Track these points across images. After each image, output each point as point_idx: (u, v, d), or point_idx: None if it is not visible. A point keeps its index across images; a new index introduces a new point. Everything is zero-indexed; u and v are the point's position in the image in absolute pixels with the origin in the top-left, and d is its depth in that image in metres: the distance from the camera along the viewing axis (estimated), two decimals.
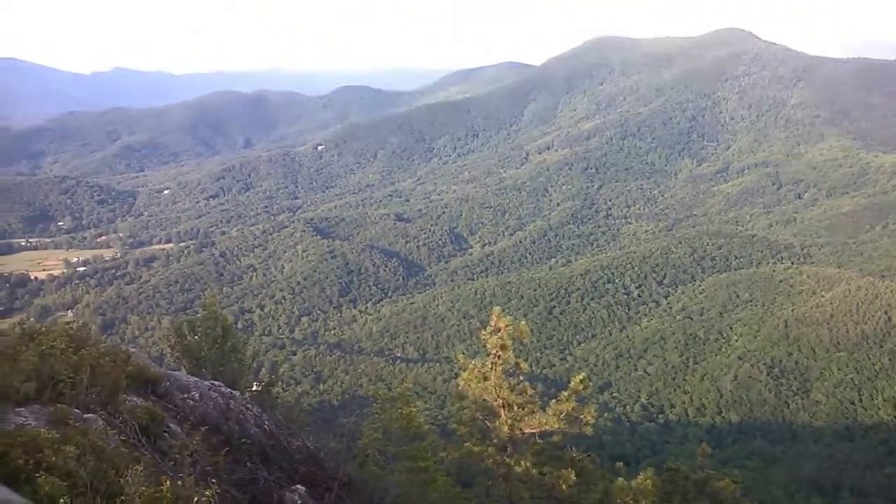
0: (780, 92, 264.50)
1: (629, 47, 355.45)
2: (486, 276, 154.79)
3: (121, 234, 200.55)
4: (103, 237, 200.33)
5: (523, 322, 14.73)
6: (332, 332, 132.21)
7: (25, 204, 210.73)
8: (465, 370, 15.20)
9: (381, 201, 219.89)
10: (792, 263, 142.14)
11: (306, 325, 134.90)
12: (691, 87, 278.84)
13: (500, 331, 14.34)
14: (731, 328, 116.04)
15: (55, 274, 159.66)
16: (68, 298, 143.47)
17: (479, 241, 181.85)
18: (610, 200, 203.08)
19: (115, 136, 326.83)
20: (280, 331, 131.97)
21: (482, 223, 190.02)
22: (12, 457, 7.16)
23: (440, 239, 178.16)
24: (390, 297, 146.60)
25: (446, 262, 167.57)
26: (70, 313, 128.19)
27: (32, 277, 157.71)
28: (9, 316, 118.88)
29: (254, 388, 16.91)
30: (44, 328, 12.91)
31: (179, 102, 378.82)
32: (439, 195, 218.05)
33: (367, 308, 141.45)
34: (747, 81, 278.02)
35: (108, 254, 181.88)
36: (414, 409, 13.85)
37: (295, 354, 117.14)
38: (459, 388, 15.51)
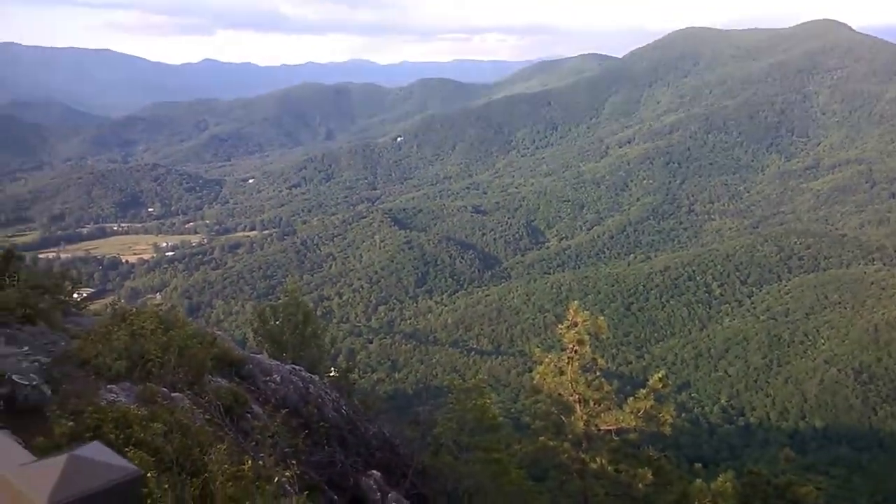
0: (875, 86, 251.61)
1: (716, 39, 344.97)
2: (563, 271, 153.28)
3: (207, 221, 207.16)
4: (191, 223, 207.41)
5: (601, 317, 14.51)
6: (408, 321, 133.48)
7: (118, 190, 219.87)
8: (541, 364, 15.09)
9: (458, 193, 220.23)
10: (884, 265, 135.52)
11: (383, 314, 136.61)
12: (780, 80, 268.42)
13: (577, 325, 14.17)
14: (817, 331, 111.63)
15: (145, 258, 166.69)
16: (157, 282, 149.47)
17: (556, 235, 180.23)
18: (693, 196, 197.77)
19: (204, 125, 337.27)
20: (357, 319, 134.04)
21: (560, 217, 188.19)
22: (104, 431, 7.45)
23: (517, 232, 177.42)
24: (466, 289, 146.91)
25: (522, 256, 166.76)
26: (158, 296, 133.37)
27: (124, 261, 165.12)
28: (101, 297, 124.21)
29: (331, 374, 17.21)
30: (135, 309, 13.45)
31: (265, 94, 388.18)
32: (517, 188, 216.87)
33: (442, 299, 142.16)
34: (840, 75, 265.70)
35: (195, 240, 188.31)
36: (489, 401, 13.85)
37: (371, 342, 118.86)
38: (535, 381, 15.42)
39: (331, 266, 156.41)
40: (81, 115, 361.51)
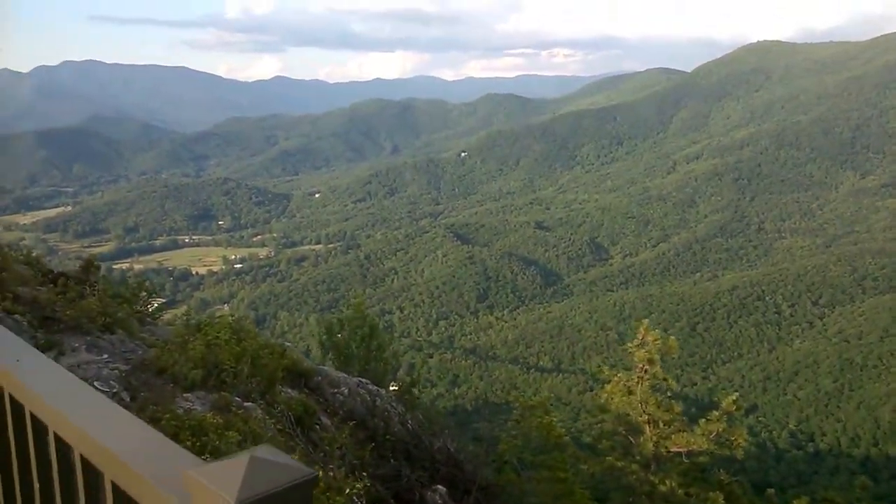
0: None
1: (789, 53, 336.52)
2: (627, 288, 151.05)
3: (275, 234, 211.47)
4: (259, 236, 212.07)
5: (672, 337, 14.25)
6: (469, 337, 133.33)
7: (190, 203, 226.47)
8: (608, 383, 14.89)
9: (521, 209, 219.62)
10: None
11: (443, 328, 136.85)
12: (857, 94, 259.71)
13: (647, 344, 13.94)
14: (892, 354, 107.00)
15: (214, 270, 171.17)
16: (225, 293, 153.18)
17: (620, 252, 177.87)
18: (762, 213, 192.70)
19: (273, 141, 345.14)
20: (418, 333, 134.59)
21: (624, 233, 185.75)
22: (181, 438, 7.66)
23: (580, 248, 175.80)
24: (527, 305, 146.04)
25: (585, 272, 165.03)
26: (226, 307, 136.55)
27: (194, 272, 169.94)
28: (172, 307, 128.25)
29: (392, 388, 17.34)
30: (209, 320, 13.83)
31: (333, 109, 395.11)
32: (580, 204, 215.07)
33: (503, 315, 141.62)
34: None
35: (262, 252, 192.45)
36: (554, 419, 13.73)
37: (431, 357, 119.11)
38: (602, 400, 15.21)
39: (393, 280, 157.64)
40: (157, 130, 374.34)
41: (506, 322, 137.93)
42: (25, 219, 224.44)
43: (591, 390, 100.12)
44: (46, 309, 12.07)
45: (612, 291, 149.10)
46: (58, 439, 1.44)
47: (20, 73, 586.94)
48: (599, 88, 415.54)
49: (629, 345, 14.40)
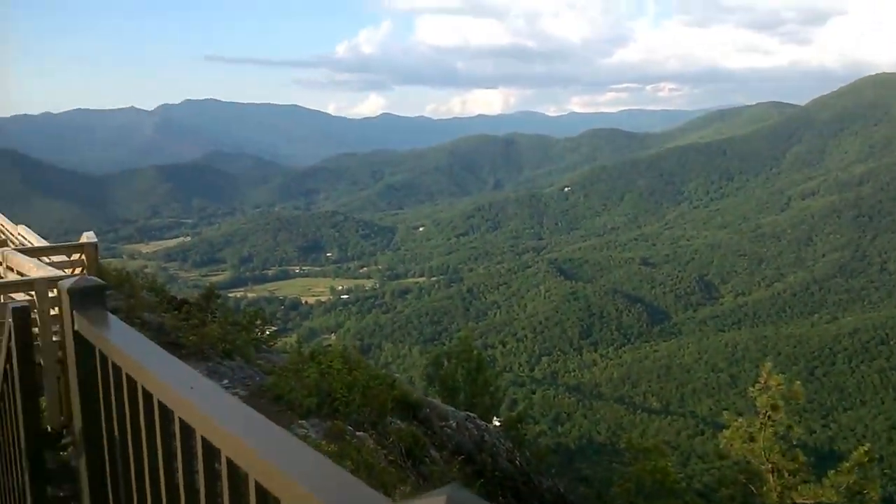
0: None
1: None
2: (739, 329, 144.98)
3: (380, 267, 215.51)
4: (365, 268, 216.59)
5: (797, 382, 13.51)
6: (572, 374, 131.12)
7: (301, 235, 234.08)
8: (728, 428, 14.22)
9: (626, 245, 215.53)
10: None
11: (546, 364, 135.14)
12: None
13: (770, 389, 13.26)
14: None
15: (322, 300, 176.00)
16: (332, 322, 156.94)
17: (731, 291, 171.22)
18: (886, 253, 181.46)
19: (379, 175, 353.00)
20: (520, 368, 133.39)
21: (735, 272, 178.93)
22: None
23: (688, 286, 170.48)
24: (633, 344, 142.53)
25: (694, 311, 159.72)
26: (333, 336, 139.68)
27: (303, 301, 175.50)
28: (283, 335, 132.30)
29: (496, 423, 17.17)
30: (321, 348, 14.14)
31: (437, 145, 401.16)
32: (688, 240, 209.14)
33: (608, 352, 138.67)
34: None
35: (368, 284, 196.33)
36: (669, 464, 13.20)
37: (534, 393, 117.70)
38: (720, 445, 14.53)
39: (495, 314, 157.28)
40: (271, 165, 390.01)
41: (611, 360, 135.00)
42: (148, 248, 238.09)
43: (702, 434, 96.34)
44: (171, 334, 12.66)
45: (724, 331, 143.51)
46: (230, 463, 1.49)
47: (145, 110, 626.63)
48: (707, 122, 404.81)
49: (751, 389, 13.72)
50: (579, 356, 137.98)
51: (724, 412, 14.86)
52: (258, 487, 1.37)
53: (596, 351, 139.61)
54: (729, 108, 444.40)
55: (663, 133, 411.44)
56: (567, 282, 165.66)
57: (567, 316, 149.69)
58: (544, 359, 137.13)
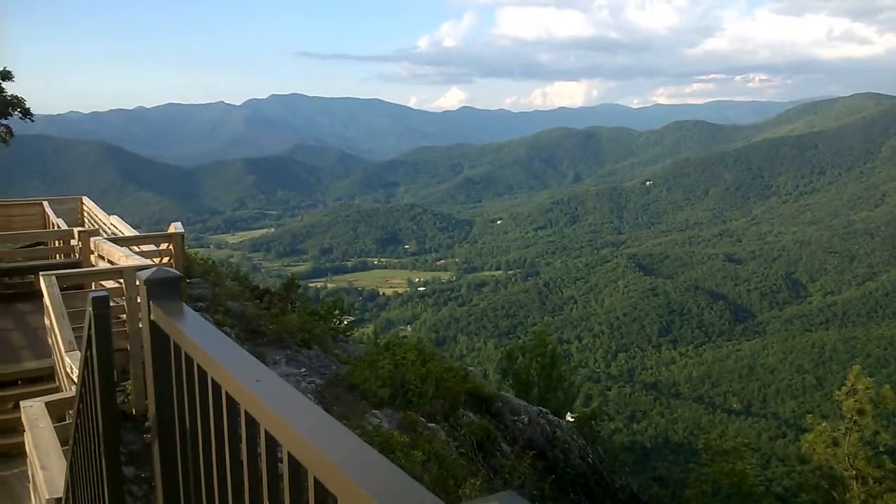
0: None
1: None
2: (827, 329, 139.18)
3: (457, 260, 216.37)
4: (442, 261, 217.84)
5: (887, 386, 12.91)
6: (649, 371, 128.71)
7: (379, 228, 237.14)
8: (811, 432, 13.71)
9: (709, 240, 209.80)
10: None
11: (623, 361, 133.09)
12: None
13: (857, 393, 12.71)
14: None
15: (399, 291, 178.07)
16: (409, 314, 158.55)
17: (819, 290, 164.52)
18: None
19: (458, 169, 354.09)
20: (596, 364, 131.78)
21: (825, 269, 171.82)
22: None
23: (774, 284, 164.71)
24: (714, 342, 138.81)
25: (780, 310, 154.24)
26: (409, 328, 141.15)
27: (381, 293, 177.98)
28: (360, 325, 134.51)
29: (569, 419, 17.03)
30: (396, 340, 14.31)
31: (517, 138, 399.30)
32: (776, 236, 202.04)
33: (687, 350, 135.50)
34: None
35: (444, 276, 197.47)
36: (747, 466, 12.82)
37: (609, 390, 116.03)
38: (803, 450, 14.02)
39: (572, 309, 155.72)
40: (352, 158, 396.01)
41: (690, 358, 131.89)
42: (234, 238, 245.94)
43: (784, 437, 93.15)
44: (253, 322, 13.06)
45: (811, 331, 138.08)
46: (291, 458, 1.51)
47: (234, 105, 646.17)
48: (799, 114, 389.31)
49: (837, 392, 13.19)
50: (657, 353, 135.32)
51: (808, 415, 14.33)
52: (317, 484, 1.39)
53: (675, 349, 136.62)
54: (822, 99, 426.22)
55: (752, 125, 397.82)
56: (647, 277, 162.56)
57: (646, 312, 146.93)
58: (621, 355, 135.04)
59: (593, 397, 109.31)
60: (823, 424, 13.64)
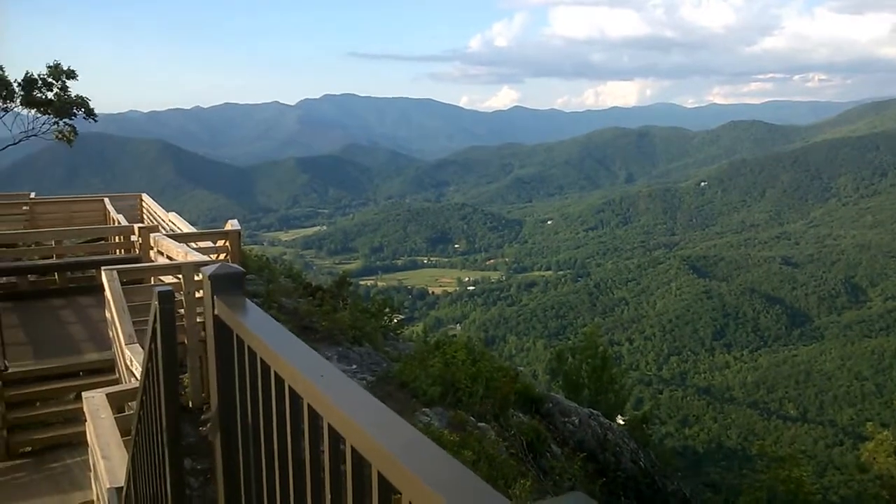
0: None
1: None
2: (887, 335, 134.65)
3: (507, 259, 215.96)
4: (491, 261, 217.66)
5: None
6: (702, 375, 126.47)
7: (429, 227, 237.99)
8: (871, 441, 13.30)
9: (765, 243, 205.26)
10: None
11: (675, 364, 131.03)
12: None
13: None
14: None
15: (449, 290, 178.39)
16: (458, 313, 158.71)
17: (880, 295, 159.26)
18: None
19: (509, 168, 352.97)
20: (647, 367, 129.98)
21: (886, 274, 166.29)
22: None
23: (833, 288, 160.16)
24: (769, 347, 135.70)
25: (839, 315, 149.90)
26: (458, 327, 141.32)
27: (430, 292, 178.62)
28: (410, 324, 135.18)
29: (620, 422, 16.85)
30: (446, 339, 14.32)
31: (569, 138, 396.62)
32: (835, 240, 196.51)
33: (742, 355, 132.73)
34: None
35: (494, 276, 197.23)
36: (804, 473, 12.49)
37: (661, 393, 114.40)
38: (862, 458, 13.61)
39: (623, 311, 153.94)
40: (403, 157, 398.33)
41: (745, 363, 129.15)
42: (287, 236, 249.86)
43: (842, 444, 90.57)
44: (305, 319, 13.24)
45: (870, 337, 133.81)
46: (354, 452, 1.51)
47: (288, 105, 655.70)
48: (860, 115, 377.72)
49: None
50: (711, 357, 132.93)
51: (868, 423, 13.88)
52: (381, 479, 1.39)
53: (729, 353, 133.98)
54: (884, 99, 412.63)
55: (810, 126, 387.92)
56: (700, 280, 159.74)
57: (699, 315, 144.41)
58: (673, 358, 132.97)
59: (645, 400, 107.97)
60: (885, 433, 13.20)
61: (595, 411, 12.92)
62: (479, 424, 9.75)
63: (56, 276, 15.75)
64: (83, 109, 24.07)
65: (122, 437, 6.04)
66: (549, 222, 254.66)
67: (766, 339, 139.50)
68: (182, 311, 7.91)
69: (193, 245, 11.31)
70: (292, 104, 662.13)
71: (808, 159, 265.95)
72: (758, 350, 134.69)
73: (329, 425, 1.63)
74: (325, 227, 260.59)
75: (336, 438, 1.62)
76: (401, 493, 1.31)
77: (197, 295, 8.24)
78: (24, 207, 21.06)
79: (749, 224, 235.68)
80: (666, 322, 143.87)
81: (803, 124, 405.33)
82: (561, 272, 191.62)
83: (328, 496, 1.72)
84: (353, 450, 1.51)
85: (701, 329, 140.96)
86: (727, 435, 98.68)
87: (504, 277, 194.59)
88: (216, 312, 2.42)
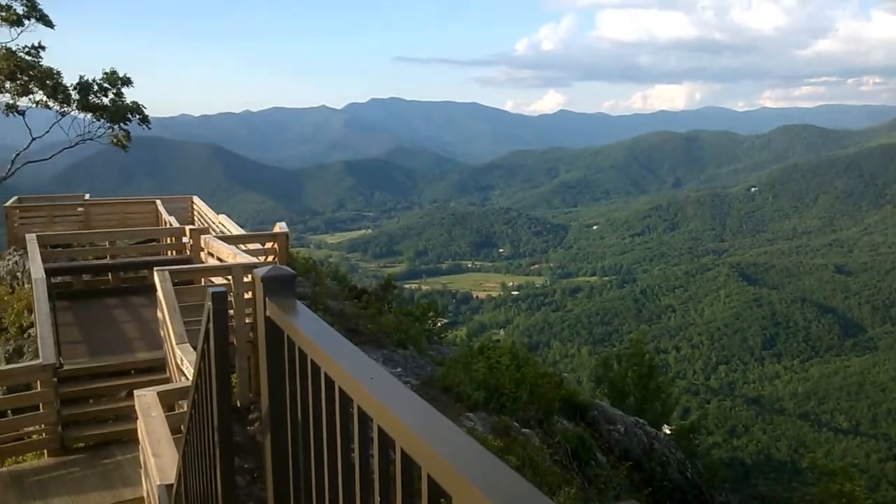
0: None
1: None
2: None
3: (551, 264, 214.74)
4: (535, 266, 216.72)
5: None
6: (751, 385, 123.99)
7: (474, 231, 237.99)
8: None
9: (818, 250, 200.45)
10: None
11: (723, 374, 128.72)
12: None
13: None
14: None
15: (493, 295, 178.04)
16: (501, 318, 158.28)
17: None
18: None
19: (554, 173, 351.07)
20: (695, 376, 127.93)
21: None
22: None
23: (888, 297, 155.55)
24: (821, 357, 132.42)
25: (893, 325, 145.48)
26: (502, 332, 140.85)
27: (474, 296, 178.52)
28: (453, 328, 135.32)
29: (667, 431, 16.61)
30: (490, 343, 14.29)
31: (615, 142, 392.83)
32: (890, 247, 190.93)
33: (792, 365, 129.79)
34: None
35: (538, 281, 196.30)
36: (857, 487, 12.13)
37: (709, 403, 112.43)
38: None
39: (670, 318, 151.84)
40: (448, 161, 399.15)
41: (795, 373, 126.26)
42: (333, 239, 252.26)
43: (895, 459, 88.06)
44: (351, 321, 13.33)
45: None
46: (404, 454, 1.51)
47: (335, 109, 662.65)
48: None
49: None
50: (760, 367, 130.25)
51: None
52: (430, 481, 1.39)
53: (779, 362, 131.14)
54: None
55: (865, 130, 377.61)
56: (750, 287, 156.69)
57: (749, 324, 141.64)
58: (721, 367, 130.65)
59: (692, 410, 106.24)
60: None
61: (641, 420, 12.74)
62: (523, 430, 9.70)
63: (110, 276, 16.15)
64: (138, 116, 24.65)
65: (171, 434, 6.15)
66: (594, 227, 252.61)
67: (817, 349, 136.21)
68: (231, 311, 8.01)
69: (242, 247, 11.48)
70: (339, 108, 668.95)
71: (862, 164, 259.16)
72: (809, 360, 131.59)
73: (379, 427, 1.64)
74: (370, 231, 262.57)
75: (385, 440, 1.63)
76: (451, 497, 1.30)
77: (246, 296, 8.36)
78: (80, 209, 21.66)
79: (801, 231, 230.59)
80: (714, 330, 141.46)
81: (857, 129, 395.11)
82: (606, 278, 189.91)
83: (377, 498, 1.72)
84: (403, 452, 1.51)
85: (750, 338, 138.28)
86: (776, 447, 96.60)
87: (548, 282, 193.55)
88: (267, 314, 2.45)
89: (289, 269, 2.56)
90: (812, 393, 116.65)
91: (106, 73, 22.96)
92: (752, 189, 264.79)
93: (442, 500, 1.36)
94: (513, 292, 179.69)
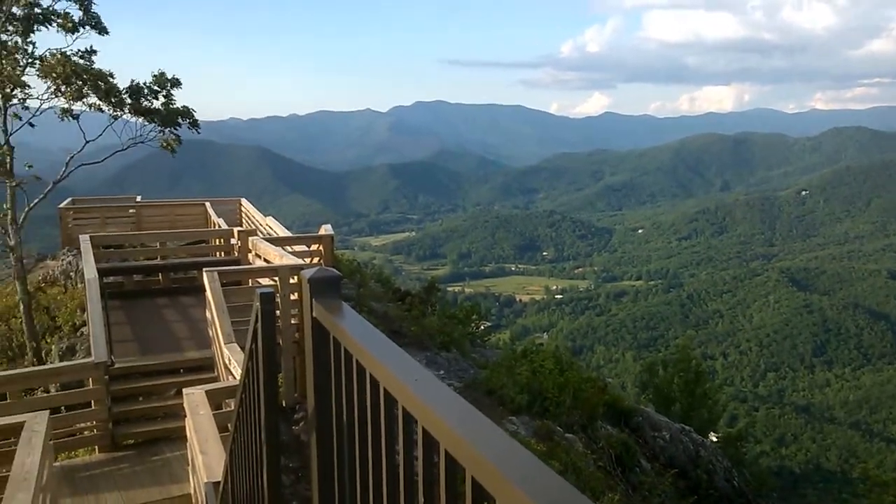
0: None
1: None
2: None
3: (595, 268, 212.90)
4: (580, 269, 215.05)
5: None
6: (801, 393, 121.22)
7: (518, 234, 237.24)
8: None
9: (871, 255, 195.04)
10: None
11: (772, 381, 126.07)
12: None
13: None
14: None
15: (536, 298, 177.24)
16: (545, 322, 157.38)
17: None
18: None
19: (599, 175, 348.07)
20: (743, 383, 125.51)
21: None
22: None
23: None
24: (874, 365, 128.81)
25: None
26: (545, 335, 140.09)
27: (518, 299, 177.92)
28: (496, 331, 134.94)
29: (713, 438, 16.34)
30: (534, 347, 14.23)
31: (661, 144, 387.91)
32: None
33: (844, 373, 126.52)
34: None
35: (582, 285, 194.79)
36: None
37: (757, 410, 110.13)
38: None
39: (717, 324, 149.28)
40: (492, 164, 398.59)
41: (847, 381, 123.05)
42: (377, 241, 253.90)
43: None
44: (395, 323, 13.40)
45: None
46: (448, 456, 1.52)
47: (380, 112, 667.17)
48: None
49: None
50: (811, 374, 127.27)
51: None
52: (474, 483, 1.39)
53: (830, 370, 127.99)
54: None
55: None
56: (800, 293, 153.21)
57: (799, 330, 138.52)
58: (770, 375, 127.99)
59: (739, 417, 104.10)
60: None
61: (687, 427, 12.55)
62: (567, 435, 9.64)
63: (160, 277, 16.50)
64: (188, 120, 25.12)
65: (219, 433, 6.26)
66: (639, 231, 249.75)
67: (869, 356, 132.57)
68: (277, 312, 8.12)
69: (289, 248, 11.63)
70: (384, 111, 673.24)
71: None
72: (861, 368, 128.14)
73: (423, 428, 1.65)
74: (414, 233, 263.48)
75: (430, 442, 1.63)
76: (495, 500, 1.30)
77: (292, 297, 8.47)
78: (132, 210, 22.19)
79: (853, 235, 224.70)
80: (763, 336, 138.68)
81: None
82: (652, 282, 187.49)
83: (421, 500, 1.73)
84: (447, 454, 1.52)
85: (800, 345, 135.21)
86: (826, 456, 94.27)
87: (593, 286, 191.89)
88: (314, 315, 2.47)
89: (335, 270, 2.59)
90: (864, 401, 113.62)
91: (155, 75, 23.40)
92: (803, 192, 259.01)
93: (485, 503, 1.36)
94: (556, 296, 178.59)
